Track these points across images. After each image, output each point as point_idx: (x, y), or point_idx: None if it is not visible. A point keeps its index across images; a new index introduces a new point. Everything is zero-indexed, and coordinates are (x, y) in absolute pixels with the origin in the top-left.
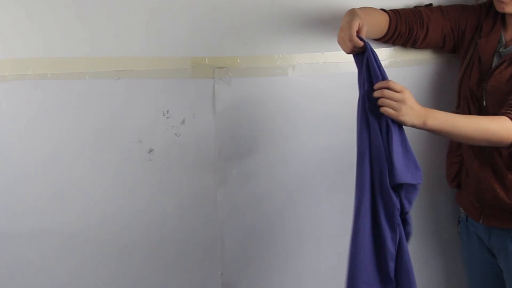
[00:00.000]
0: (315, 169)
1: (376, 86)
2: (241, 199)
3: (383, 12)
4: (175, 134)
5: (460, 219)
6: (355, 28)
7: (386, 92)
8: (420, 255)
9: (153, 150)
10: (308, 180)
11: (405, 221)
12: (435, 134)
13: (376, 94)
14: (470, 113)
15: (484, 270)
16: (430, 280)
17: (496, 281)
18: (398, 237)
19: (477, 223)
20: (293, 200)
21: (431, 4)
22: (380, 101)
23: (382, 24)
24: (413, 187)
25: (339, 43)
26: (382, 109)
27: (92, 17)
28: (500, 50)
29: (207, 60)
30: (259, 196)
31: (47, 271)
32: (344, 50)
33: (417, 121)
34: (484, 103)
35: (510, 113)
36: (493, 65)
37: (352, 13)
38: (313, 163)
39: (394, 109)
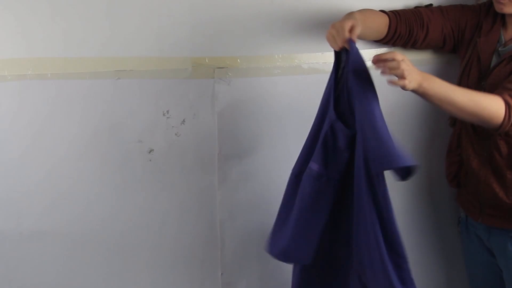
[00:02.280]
0: None
1: (377, 57)
2: (241, 199)
3: (383, 13)
4: (175, 134)
5: (460, 218)
6: (346, 28)
7: (391, 63)
8: (420, 255)
9: (153, 150)
10: None
11: None
12: (428, 100)
13: (379, 65)
14: None
15: (484, 270)
16: (430, 280)
17: (496, 281)
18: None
19: (476, 222)
20: None
21: (431, 5)
22: (389, 71)
23: (381, 26)
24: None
25: (328, 39)
26: (392, 80)
27: (92, 17)
28: (499, 49)
29: (207, 60)
30: (259, 196)
31: (47, 271)
32: (332, 47)
33: (415, 84)
34: None
35: (504, 94)
36: (492, 64)
37: (349, 15)
38: None
39: (403, 77)
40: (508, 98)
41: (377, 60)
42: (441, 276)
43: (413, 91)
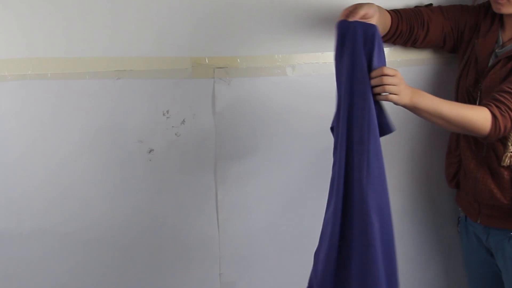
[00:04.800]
0: (314, 169)
1: (374, 74)
2: (241, 199)
3: (386, 11)
4: (175, 134)
5: (459, 219)
6: (361, 13)
7: (386, 79)
8: (420, 255)
9: (153, 150)
10: (307, 180)
11: None
12: (418, 114)
13: (375, 82)
14: None
15: (483, 270)
16: (430, 280)
17: (495, 281)
18: None
19: (475, 223)
20: (292, 200)
21: (431, 4)
22: (380, 89)
23: (387, 22)
24: None
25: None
26: (384, 96)
27: (92, 17)
28: (497, 50)
29: (207, 60)
30: (259, 196)
31: (47, 271)
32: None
33: (407, 99)
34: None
35: (491, 105)
36: (489, 65)
37: (374, 5)
38: (313, 162)
39: (395, 93)
40: (495, 110)
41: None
42: (440, 276)
43: (404, 106)
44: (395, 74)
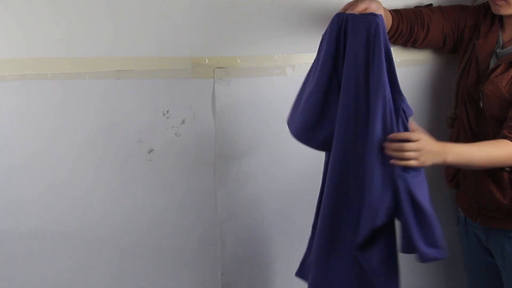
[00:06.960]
0: (314, 168)
1: (396, 137)
2: (241, 199)
3: (388, 11)
4: (175, 134)
5: (459, 219)
6: (362, 6)
7: (407, 146)
8: None
9: (153, 150)
10: (307, 180)
11: None
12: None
13: (395, 147)
14: (467, 114)
15: (483, 270)
16: (430, 280)
17: (495, 281)
18: None
19: (475, 223)
20: (292, 200)
21: (431, 4)
22: (399, 155)
23: (388, 23)
24: None
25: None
26: (403, 162)
27: (92, 17)
28: (497, 51)
29: (207, 60)
30: (259, 196)
31: (47, 271)
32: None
33: (437, 160)
34: (481, 105)
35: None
36: (490, 66)
37: (378, 2)
38: (313, 162)
39: (415, 159)
40: None
41: (389, 141)
42: (440, 276)
43: (436, 165)
44: (418, 139)
